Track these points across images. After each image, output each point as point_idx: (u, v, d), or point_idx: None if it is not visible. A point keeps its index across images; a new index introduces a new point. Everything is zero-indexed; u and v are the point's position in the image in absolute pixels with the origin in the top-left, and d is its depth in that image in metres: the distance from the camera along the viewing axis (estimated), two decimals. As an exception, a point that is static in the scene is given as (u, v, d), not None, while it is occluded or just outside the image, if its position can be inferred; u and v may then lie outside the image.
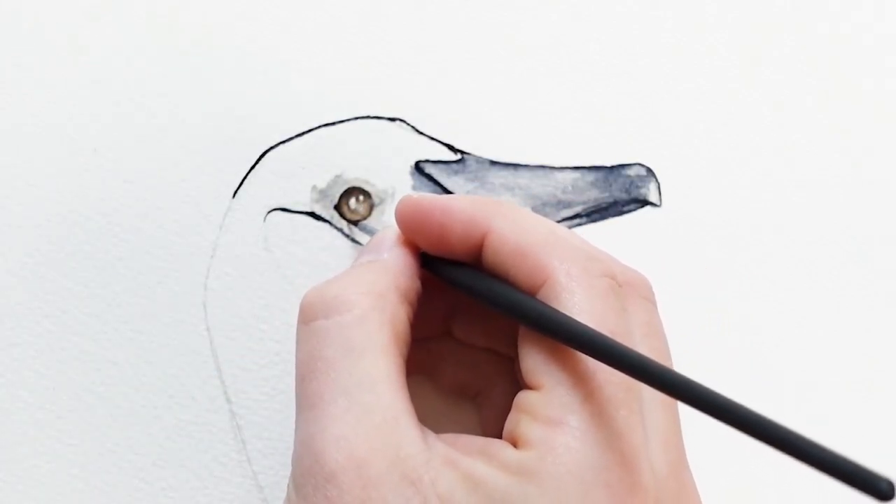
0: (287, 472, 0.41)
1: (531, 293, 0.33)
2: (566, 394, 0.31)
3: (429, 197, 0.35)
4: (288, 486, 0.33)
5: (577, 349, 0.31)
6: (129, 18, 0.41)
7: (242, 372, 0.41)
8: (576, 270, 0.33)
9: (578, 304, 0.32)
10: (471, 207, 0.35)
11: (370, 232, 0.41)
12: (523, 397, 0.32)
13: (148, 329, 0.40)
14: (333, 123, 0.42)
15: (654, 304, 0.35)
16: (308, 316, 0.34)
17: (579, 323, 0.31)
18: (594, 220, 0.42)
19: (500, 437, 0.36)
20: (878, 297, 0.45)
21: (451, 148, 0.42)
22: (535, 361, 0.32)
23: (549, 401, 0.31)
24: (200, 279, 0.41)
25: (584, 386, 0.31)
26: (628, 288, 0.34)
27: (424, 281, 0.36)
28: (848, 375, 0.45)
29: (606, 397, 0.31)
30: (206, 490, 0.40)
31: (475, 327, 0.38)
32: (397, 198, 0.42)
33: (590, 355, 0.31)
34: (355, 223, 0.41)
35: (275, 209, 0.41)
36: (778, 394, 0.44)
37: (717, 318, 0.44)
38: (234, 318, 0.41)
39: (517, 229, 0.34)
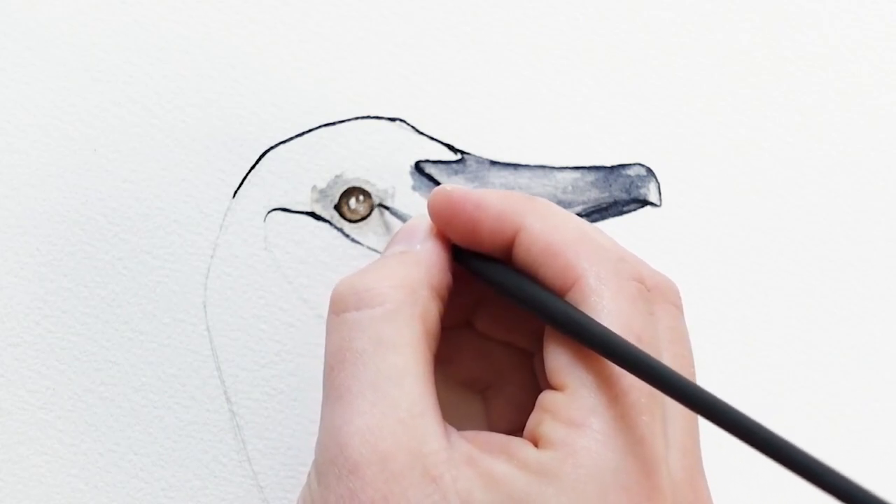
0: (287, 472, 0.41)
1: (560, 293, 0.33)
2: (590, 396, 0.31)
3: (461, 190, 0.35)
4: (309, 473, 0.33)
5: (602, 355, 0.31)
6: (130, 18, 0.41)
7: (242, 372, 0.41)
8: (605, 273, 0.33)
9: (607, 307, 0.32)
10: (503, 203, 0.34)
11: (401, 217, 0.40)
12: (546, 397, 0.32)
13: (148, 329, 0.40)
14: (333, 123, 0.42)
15: (680, 309, 0.35)
16: (339, 307, 0.34)
17: (606, 329, 0.31)
18: (594, 221, 0.42)
19: (507, 431, 0.36)
20: (878, 297, 0.45)
21: (451, 148, 0.42)
22: (560, 362, 0.33)
23: (572, 402, 0.32)
24: (200, 279, 0.41)
25: (608, 389, 0.31)
26: (656, 292, 0.34)
27: (453, 272, 0.36)
28: (848, 375, 0.45)
29: (630, 402, 0.31)
30: (206, 490, 0.40)
31: (497, 320, 0.38)
32: (397, 198, 0.42)
33: (615, 363, 0.31)
34: (356, 222, 0.41)
35: (275, 209, 0.41)
36: (777, 393, 0.44)
37: (717, 318, 0.44)
38: (234, 318, 0.41)
39: (548, 228, 0.34)
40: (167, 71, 0.41)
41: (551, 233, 0.34)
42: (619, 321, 0.32)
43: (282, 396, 0.41)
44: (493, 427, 0.39)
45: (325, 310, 0.41)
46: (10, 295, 0.40)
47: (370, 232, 0.41)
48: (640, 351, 0.31)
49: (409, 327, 0.33)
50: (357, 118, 0.42)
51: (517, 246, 0.34)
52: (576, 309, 0.32)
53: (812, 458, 0.28)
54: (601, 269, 0.33)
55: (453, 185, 0.36)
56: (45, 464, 0.40)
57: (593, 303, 0.32)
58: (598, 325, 0.32)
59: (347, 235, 0.41)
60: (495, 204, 0.34)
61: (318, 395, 0.41)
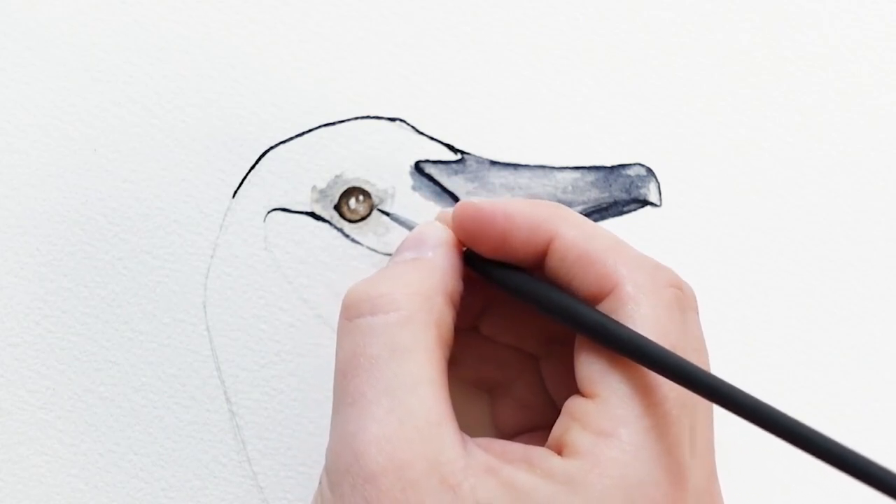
0: (287, 472, 0.41)
1: (596, 301, 0.33)
2: (622, 406, 0.31)
3: (489, 202, 0.35)
4: (320, 480, 0.33)
5: (640, 363, 0.31)
6: (130, 18, 0.41)
7: (242, 372, 0.41)
8: (643, 280, 0.33)
9: (645, 314, 0.32)
10: (535, 213, 0.34)
11: (406, 224, 0.40)
12: (576, 404, 0.32)
13: (148, 329, 0.40)
14: (333, 123, 0.42)
15: (698, 315, 0.35)
16: (352, 312, 0.33)
17: (643, 336, 0.31)
18: (594, 221, 0.42)
19: (513, 431, 0.36)
20: (878, 297, 0.45)
21: (451, 148, 0.42)
22: (592, 370, 0.32)
23: (603, 411, 0.31)
24: (200, 279, 0.41)
25: (641, 399, 0.31)
26: (685, 300, 0.34)
27: (464, 278, 0.35)
28: (848, 375, 0.45)
29: (663, 412, 0.31)
30: (206, 490, 0.40)
31: (504, 325, 0.38)
32: (397, 198, 0.42)
33: (656, 371, 0.31)
34: (356, 222, 0.41)
35: (275, 209, 0.41)
36: (777, 393, 0.44)
37: (717, 318, 0.44)
38: (234, 318, 0.41)
39: (583, 236, 0.33)
40: (167, 71, 0.41)
41: (587, 241, 0.33)
42: (657, 329, 0.32)
43: (282, 396, 0.41)
44: (499, 426, 0.39)
45: (324, 310, 0.41)
46: (10, 295, 0.40)
47: (370, 232, 0.41)
48: (679, 357, 0.30)
49: (424, 334, 0.32)
50: (357, 118, 0.42)
51: (551, 254, 0.34)
52: (609, 318, 0.32)
53: (852, 452, 0.28)
54: (638, 276, 0.33)
55: (478, 199, 0.36)
56: (45, 464, 0.40)
57: (631, 310, 0.32)
58: (633, 332, 0.31)
59: (347, 235, 0.41)
60: (527, 213, 0.34)
61: (319, 395, 0.41)
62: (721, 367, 0.44)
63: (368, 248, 0.41)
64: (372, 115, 0.42)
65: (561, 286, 0.34)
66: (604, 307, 0.33)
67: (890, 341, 0.45)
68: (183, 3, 0.42)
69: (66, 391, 0.40)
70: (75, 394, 0.40)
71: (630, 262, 0.33)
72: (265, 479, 0.41)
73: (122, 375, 0.40)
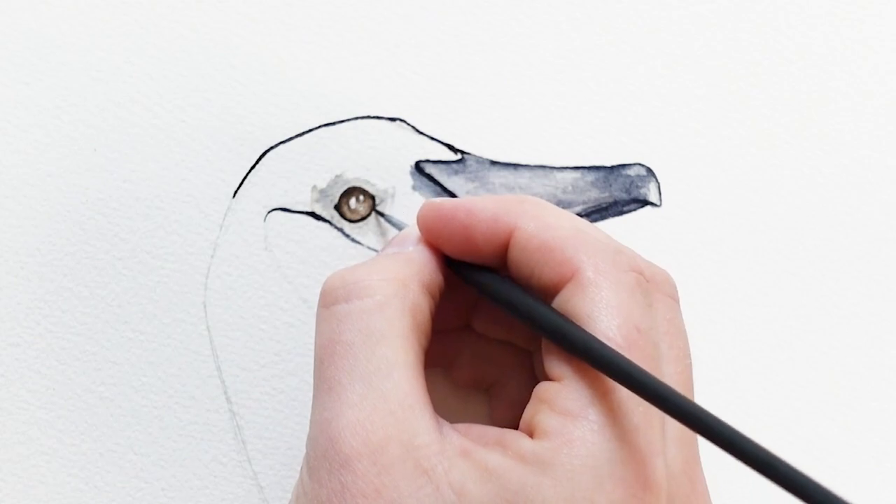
0: (287, 472, 0.41)
1: (557, 289, 0.33)
2: (587, 387, 0.31)
3: (451, 200, 0.35)
4: (301, 468, 0.33)
5: (591, 365, 0.31)
6: (130, 18, 0.41)
7: (242, 372, 0.41)
8: (603, 265, 0.33)
9: (605, 298, 0.32)
10: (494, 207, 0.34)
11: (397, 225, 0.41)
12: (543, 388, 0.32)
13: (148, 329, 0.40)
14: (333, 123, 0.42)
15: (677, 301, 0.35)
16: (329, 299, 0.34)
17: (597, 341, 0.31)
18: (594, 221, 0.42)
19: (512, 428, 0.36)
20: (878, 297, 0.45)
21: (451, 148, 0.42)
22: (557, 353, 0.32)
23: (569, 393, 0.32)
24: (200, 279, 0.41)
25: (605, 380, 0.31)
26: (654, 284, 0.34)
27: (446, 275, 0.36)
28: (848, 375, 0.45)
29: (627, 393, 0.31)
30: (206, 490, 0.40)
31: (495, 321, 0.38)
32: (397, 198, 0.42)
33: (604, 373, 0.31)
34: (356, 221, 0.41)
35: (275, 209, 0.41)
36: (777, 392, 0.44)
37: (717, 318, 0.44)
38: (234, 318, 0.41)
39: (542, 226, 0.34)
40: (167, 71, 0.41)
41: (546, 230, 0.34)
42: (618, 312, 0.32)
43: (282, 396, 0.41)
44: (497, 424, 0.39)
45: (325, 310, 0.41)
46: (10, 295, 0.40)
47: (370, 232, 0.41)
48: (629, 363, 0.31)
49: (399, 320, 0.33)
50: (357, 118, 0.42)
51: (512, 247, 0.34)
52: (566, 320, 0.32)
53: (807, 478, 0.28)
54: (599, 260, 0.33)
55: (440, 198, 0.36)
56: (45, 464, 0.40)
57: (592, 294, 0.32)
58: (589, 336, 0.31)
59: (347, 235, 0.41)
60: (487, 208, 0.34)
61: (318, 395, 0.41)
62: (721, 367, 0.44)
63: (368, 247, 0.41)
64: (372, 115, 0.42)
65: (524, 278, 0.34)
66: (565, 294, 0.33)
67: (890, 341, 0.45)
68: (183, 3, 0.42)
69: (66, 391, 0.40)
70: (75, 394, 0.40)
71: (590, 248, 0.33)
72: (265, 478, 0.41)
73: (122, 375, 0.40)
